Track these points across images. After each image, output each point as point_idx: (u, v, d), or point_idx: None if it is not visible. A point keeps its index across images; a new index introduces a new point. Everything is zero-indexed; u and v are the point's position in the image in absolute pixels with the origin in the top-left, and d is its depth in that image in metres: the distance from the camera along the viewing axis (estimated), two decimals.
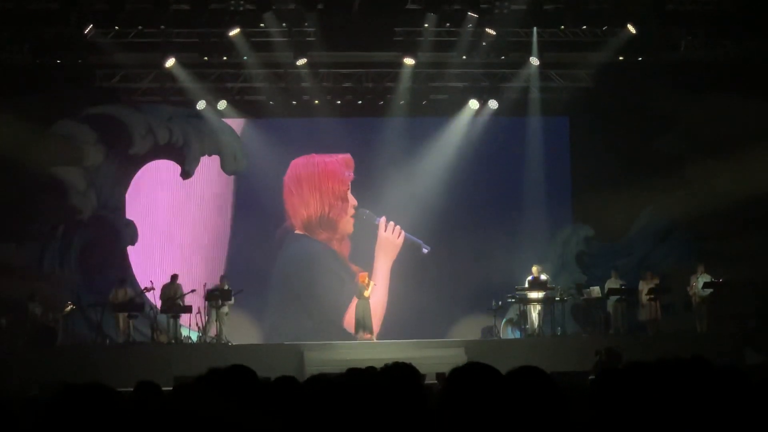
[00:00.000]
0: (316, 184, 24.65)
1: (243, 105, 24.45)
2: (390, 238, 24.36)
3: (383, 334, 22.63)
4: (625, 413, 3.97)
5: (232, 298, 22.08)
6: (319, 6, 21.27)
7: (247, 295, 22.82)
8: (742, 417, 4.11)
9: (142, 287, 22.57)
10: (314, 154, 24.79)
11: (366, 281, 22.58)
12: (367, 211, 24.44)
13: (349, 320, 23.45)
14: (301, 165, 24.75)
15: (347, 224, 24.65)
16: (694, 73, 23.70)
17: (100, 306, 22.11)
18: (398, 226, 24.31)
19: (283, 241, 24.50)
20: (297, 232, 24.56)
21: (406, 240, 24.33)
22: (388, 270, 24.41)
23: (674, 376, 4.27)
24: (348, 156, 24.68)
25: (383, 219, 24.37)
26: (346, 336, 23.17)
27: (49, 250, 23.98)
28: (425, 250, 24.09)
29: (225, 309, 22.02)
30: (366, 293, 22.38)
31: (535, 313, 22.44)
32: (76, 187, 24.14)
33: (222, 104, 24.04)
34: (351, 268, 24.40)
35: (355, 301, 22.79)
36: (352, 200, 24.69)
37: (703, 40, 23.02)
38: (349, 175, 24.66)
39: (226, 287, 22.12)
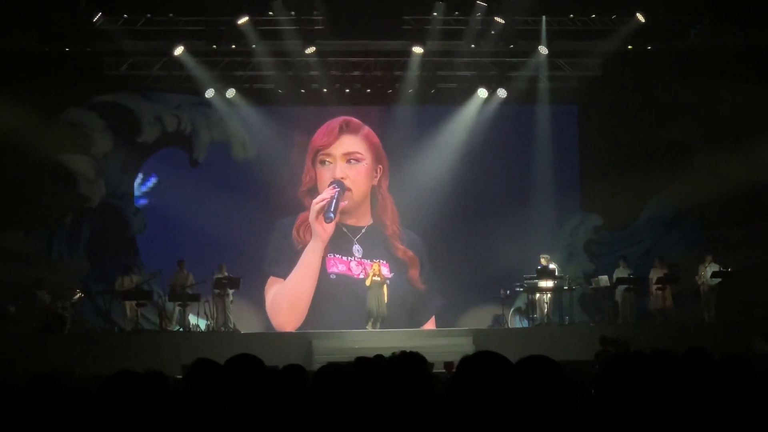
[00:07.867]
0: None
1: (252, 93, 24.41)
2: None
3: (391, 323, 22.56)
4: (629, 402, 3.97)
5: (239, 286, 22.06)
6: None
7: (251, 283, 22.87)
8: (743, 407, 4.10)
9: (149, 274, 22.63)
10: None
11: (375, 269, 22.42)
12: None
13: None
14: None
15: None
16: (702, 61, 23.66)
17: (108, 294, 22.16)
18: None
19: None
20: None
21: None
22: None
23: (675, 367, 4.27)
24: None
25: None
26: None
27: (58, 238, 24.03)
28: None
29: (230, 297, 21.98)
30: (367, 281, 22.28)
31: (544, 302, 22.41)
32: (84, 175, 24.17)
33: (231, 92, 24.00)
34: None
35: None
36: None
37: (711, 28, 22.95)
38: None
39: (226, 273, 22.02)
